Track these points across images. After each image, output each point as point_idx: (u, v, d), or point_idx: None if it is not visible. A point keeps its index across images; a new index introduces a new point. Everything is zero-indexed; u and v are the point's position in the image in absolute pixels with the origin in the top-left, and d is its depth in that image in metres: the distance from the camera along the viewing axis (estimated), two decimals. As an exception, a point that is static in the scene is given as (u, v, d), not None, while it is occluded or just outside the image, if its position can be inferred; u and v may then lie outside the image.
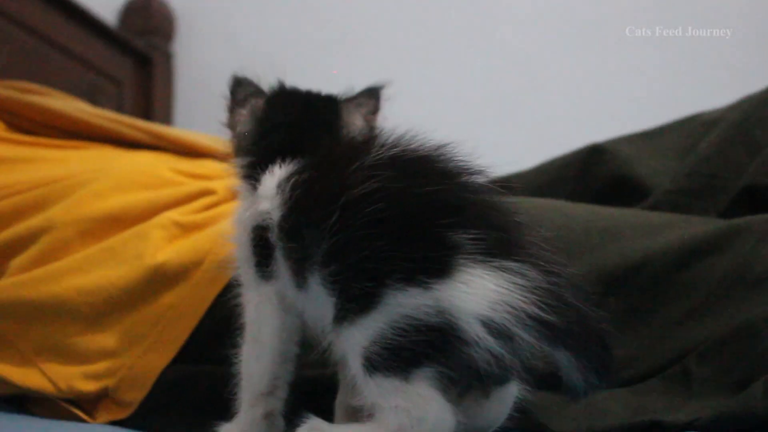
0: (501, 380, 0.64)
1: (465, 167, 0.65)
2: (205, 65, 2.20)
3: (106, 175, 1.01)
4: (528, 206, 0.94)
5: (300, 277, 0.65)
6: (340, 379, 0.72)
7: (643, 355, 0.85)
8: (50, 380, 0.90)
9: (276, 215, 0.67)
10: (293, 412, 0.66)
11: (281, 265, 0.67)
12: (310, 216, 0.63)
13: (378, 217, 0.60)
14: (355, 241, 0.61)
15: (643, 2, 2.12)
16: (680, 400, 0.80)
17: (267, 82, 0.79)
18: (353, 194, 0.61)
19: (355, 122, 0.77)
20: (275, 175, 0.70)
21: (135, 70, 2.14)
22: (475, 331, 0.58)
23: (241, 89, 0.78)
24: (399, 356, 0.59)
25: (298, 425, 0.63)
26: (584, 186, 1.19)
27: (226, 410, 0.72)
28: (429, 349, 0.59)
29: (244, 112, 0.76)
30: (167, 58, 2.23)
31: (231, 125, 0.78)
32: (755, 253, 0.86)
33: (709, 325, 0.84)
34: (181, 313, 0.89)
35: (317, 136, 0.74)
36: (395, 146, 0.65)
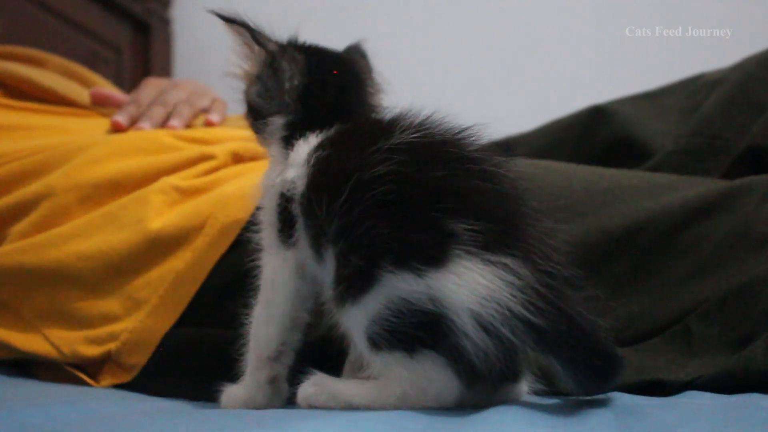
0: (509, 377, 0.64)
1: (482, 154, 0.64)
2: (203, 31, 2.19)
3: (105, 141, 1.01)
4: (529, 167, 0.95)
5: (317, 251, 0.65)
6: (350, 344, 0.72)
7: (645, 314, 0.85)
8: (53, 345, 0.91)
9: (299, 187, 0.67)
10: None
11: (302, 237, 0.67)
12: (323, 194, 0.63)
13: (383, 200, 0.60)
14: (359, 221, 0.61)
15: (643, 2, 2.11)
16: (682, 359, 0.81)
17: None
18: (364, 176, 0.61)
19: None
20: (309, 144, 0.69)
21: (133, 36, 2.13)
22: (464, 323, 0.58)
23: (262, 37, 0.73)
24: (399, 337, 0.60)
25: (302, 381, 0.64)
26: (585, 147, 1.18)
27: (229, 373, 0.72)
28: (425, 334, 0.59)
29: (286, 66, 0.72)
30: (165, 23, 2.22)
31: (265, 79, 0.72)
32: (757, 213, 0.86)
33: (710, 285, 0.84)
34: (182, 278, 0.90)
35: (360, 99, 0.73)
36: (417, 131, 0.64)
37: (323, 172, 0.65)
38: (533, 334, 0.58)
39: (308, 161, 0.67)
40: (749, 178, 0.91)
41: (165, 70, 2.19)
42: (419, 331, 0.59)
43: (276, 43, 0.74)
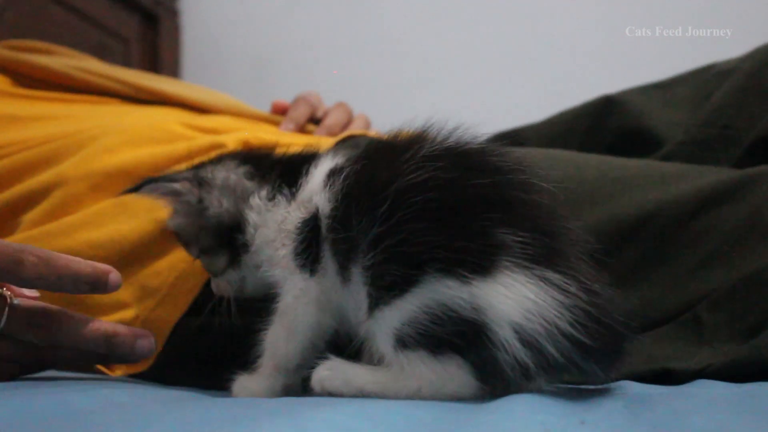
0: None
1: (518, 164, 0.64)
2: (211, 22, 2.19)
3: (116, 130, 1.01)
4: (540, 157, 0.95)
5: (345, 271, 0.65)
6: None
7: (655, 303, 0.85)
8: (65, 334, 0.91)
9: (326, 208, 0.67)
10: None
11: (328, 262, 0.67)
12: (362, 204, 0.63)
13: (427, 206, 0.60)
14: (401, 227, 0.60)
15: (643, 2, 2.11)
16: (691, 347, 0.81)
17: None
18: (405, 182, 0.61)
19: None
20: (319, 173, 0.70)
21: (141, 27, 2.13)
22: (505, 335, 0.58)
23: (173, 175, 0.76)
24: (430, 340, 0.60)
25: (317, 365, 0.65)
26: (596, 138, 1.18)
27: (240, 361, 0.72)
28: (459, 340, 0.59)
29: (219, 171, 0.75)
30: (173, 15, 2.22)
31: (210, 195, 0.75)
32: (769, 201, 0.86)
33: (721, 274, 0.84)
34: (193, 266, 0.90)
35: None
36: (449, 139, 0.65)
37: (358, 184, 0.65)
38: (579, 351, 0.59)
39: (328, 184, 0.67)
40: (761, 167, 0.91)
41: (173, 61, 2.19)
42: (454, 336, 0.59)
43: (186, 170, 0.76)
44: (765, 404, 0.62)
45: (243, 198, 0.73)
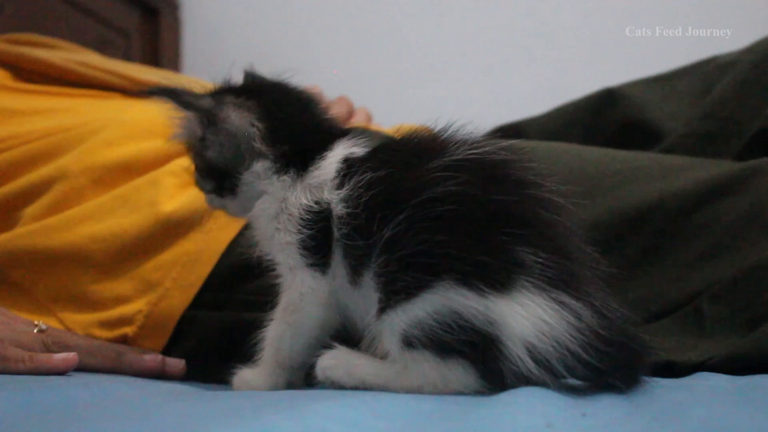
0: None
1: (539, 179, 0.64)
2: (212, 15, 2.19)
3: (117, 124, 1.01)
4: (541, 150, 0.95)
5: (357, 275, 0.64)
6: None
7: (656, 295, 0.85)
8: (68, 328, 0.91)
9: (341, 210, 0.65)
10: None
11: (338, 263, 0.66)
12: (384, 215, 0.62)
13: (447, 216, 0.60)
14: (418, 235, 0.60)
15: (643, 2, 2.11)
16: (692, 340, 0.81)
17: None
18: (428, 193, 0.61)
19: None
20: (334, 155, 0.68)
21: (142, 21, 2.13)
22: (518, 352, 0.59)
23: (191, 98, 0.71)
24: (438, 344, 0.60)
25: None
26: (597, 130, 1.18)
27: (242, 354, 0.72)
28: (468, 348, 0.60)
29: (234, 116, 0.70)
30: (174, 8, 2.22)
31: (213, 138, 0.71)
32: (770, 194, 0.86)
33: (722, 266, 0.84)
34: (194, 260, 0.90)
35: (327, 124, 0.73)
36: (471, 147, 0.64)
37: (382, 194, 0.63)
38: (590, 373, 0.59)
39: (345, 184, 0.66)
40: (762, 159, 0.91)
41: (174, 55, 2.19)
42: (463, 344, 0.59)
43: (212, 97, 0.71)
44: (766, 397, 0.62)
45: (245, 156, 0.70)
